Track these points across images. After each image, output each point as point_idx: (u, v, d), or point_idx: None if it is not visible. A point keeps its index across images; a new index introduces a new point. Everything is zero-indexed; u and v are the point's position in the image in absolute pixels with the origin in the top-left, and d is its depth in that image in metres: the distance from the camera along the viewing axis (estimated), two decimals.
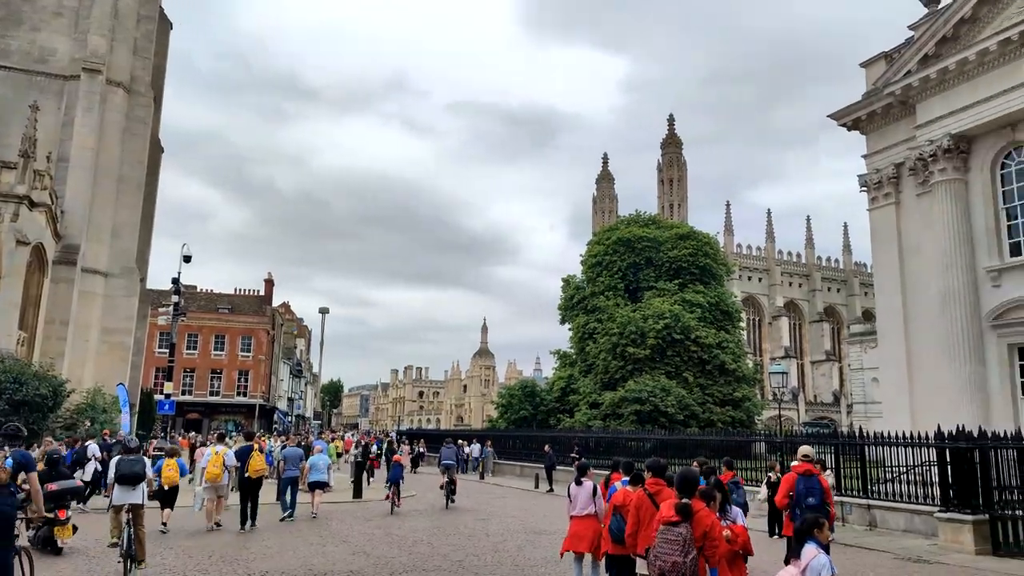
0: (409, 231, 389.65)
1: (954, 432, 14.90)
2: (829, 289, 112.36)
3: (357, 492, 23.74)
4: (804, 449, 11.30)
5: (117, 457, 12.40)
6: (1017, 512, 14.07)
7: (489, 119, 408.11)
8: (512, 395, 59.03)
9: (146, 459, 12.85)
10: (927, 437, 15.65)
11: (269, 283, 74.94)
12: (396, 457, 22.52)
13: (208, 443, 25.70)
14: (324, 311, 38.01)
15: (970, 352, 19.76)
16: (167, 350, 29.28)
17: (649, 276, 55.82)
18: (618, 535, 8.54)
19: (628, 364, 50.18)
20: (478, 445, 37.88)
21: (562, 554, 10.47)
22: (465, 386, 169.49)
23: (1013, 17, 19.34)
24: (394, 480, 20.76)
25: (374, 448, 40.78)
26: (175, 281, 26.66)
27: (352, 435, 65.41)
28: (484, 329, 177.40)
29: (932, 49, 21.07)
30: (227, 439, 22.13)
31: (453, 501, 22.13)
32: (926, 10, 22.84)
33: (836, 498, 16.96)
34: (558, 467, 30.08)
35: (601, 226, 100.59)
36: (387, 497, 20.61)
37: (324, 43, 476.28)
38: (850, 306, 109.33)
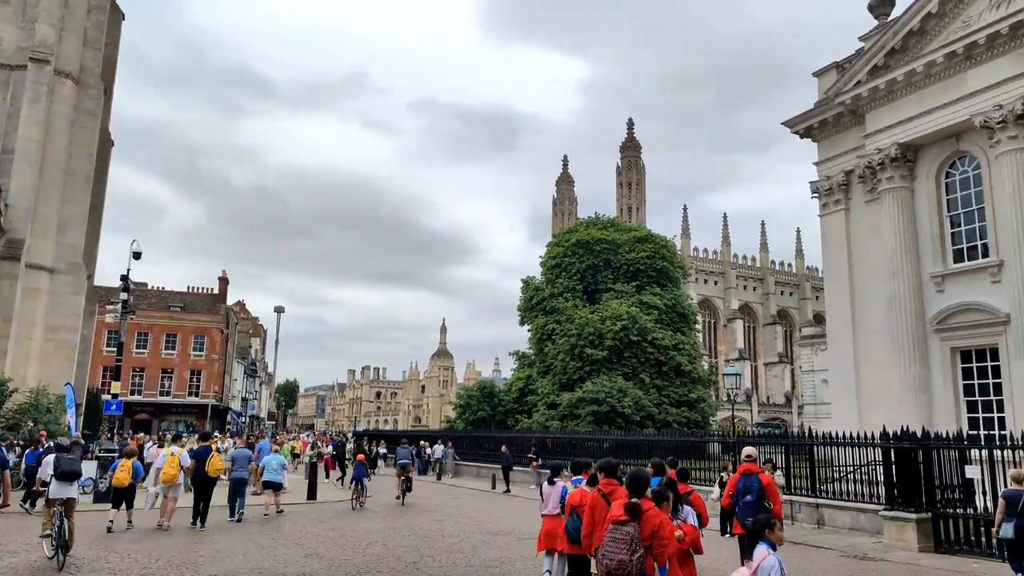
0: (368, 230, 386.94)
1: (899, 433, 15.33)
2: (782, 293, 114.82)
3: (311, 493, 23.44)
4: (747, 450, 11.73)
5: (54, 455, 12.75)
6: (958, 511, 14.53)
7: (449, 118, 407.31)
8: (470, 396, 58.99)
9: (85, 461, 13.15)
10: (873, 437, 16.06)
11: (223, 281, 73.49)
12: (360, 456, 22.94)
13: (163, 443, 25.42)
14: (279, 310, 37.39)
15: (915, 355, 20.38)
16: (115, 349, 28.48)
17: (607, 278, 56.32)
18: (574, 535, 8.61)
19: (586, 365, 50.54)
20: (440, 446, 37.73)
21: (537, 553, 10.71)
22: (423, 387, 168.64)
23: (959, 31, 20.01)
24: (358, 478, 21.40)
25: (329, 448, 40.33)
26: (124, 278, 25.93)
27: (308, 436, 64.66)
28: (443, 329, 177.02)
29: (881, 60, 21.68)
30: (182, 439, 22.07)
31: (410, 490, 23.16)
32: (876, 22, 23.50)
33: (786, 497, 17.37)
34: (515, 468, 30.14)
35: (561, 228, 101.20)
36: (353, 494, 21.37)
37: (282, 38, 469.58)
38: (802, 309, 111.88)
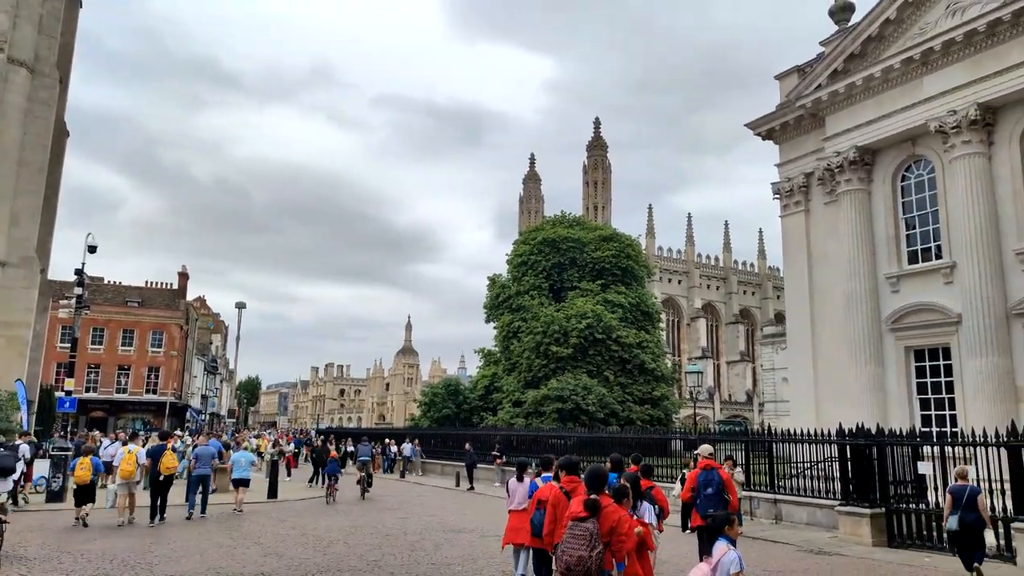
0: (333, 226, 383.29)
1: (854, 430, 15.65)
2: (745, 292, 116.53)
3: (272, 492, 23.14)
4: (705, 448, 12.04)
5: None
6: (911, 506, 14.90)
7: (416, 115, 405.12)
8: (435, 393, 58.78)
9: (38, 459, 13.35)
10: (829, 434, 16.36)
11: (183, 276, 72.05)
12: (333, 453, 24.86)
13: (121, 440, 25.13)
14: (240, 305, 36.87)
15: (871, 354, 20.82)
16: (70, 344, 27.77)
17: (573, 276, 56.61)
18: (538, 528, 8.72)
19: (551, 363, 50.73)
20: (408, 444, 37.44)
21: (503, 547, 10.87)
22: (388, 384, 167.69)
23: (916, 37, 20.48)
24: (331, 473, 23.14)
25: (291, 446, 39.86)
26: (79, 272, 25.30)
27: (270, 433, 63.84)
28: (408, 327, 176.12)
29: (841, 65, 22.09)
30: (138, 437, 22.06)
31: (369, 489, 24.43)
32: (837, 27, 23.94)
33: (745, 493, 17.68)
34: (479, 465, 30.11)
35: (527, 226, 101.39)
36: (328, 489, 22.97)
37: (245, 28, 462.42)
38: (764, 309, 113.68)
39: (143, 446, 18.98)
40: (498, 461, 29.59)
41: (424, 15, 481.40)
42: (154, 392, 64.53)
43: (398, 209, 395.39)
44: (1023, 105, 18.60)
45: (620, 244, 58.68)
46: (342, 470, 26.16)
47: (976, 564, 11.17)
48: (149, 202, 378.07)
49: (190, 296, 76.24)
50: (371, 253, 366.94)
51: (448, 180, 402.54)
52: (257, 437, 45.28)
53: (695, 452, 12.41)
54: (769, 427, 21.73)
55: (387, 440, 41.01)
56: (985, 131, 19.11)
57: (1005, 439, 13.27)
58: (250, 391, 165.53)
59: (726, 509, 10.33)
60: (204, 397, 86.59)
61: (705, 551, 5.87)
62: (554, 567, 8.84)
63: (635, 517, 7.25)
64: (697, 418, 40.38)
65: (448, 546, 14.34)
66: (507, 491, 10.85)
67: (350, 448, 43.24)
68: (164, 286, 71.53)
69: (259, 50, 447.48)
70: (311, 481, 28.49)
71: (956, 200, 19.42)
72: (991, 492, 12.80)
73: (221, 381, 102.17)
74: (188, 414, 71.58)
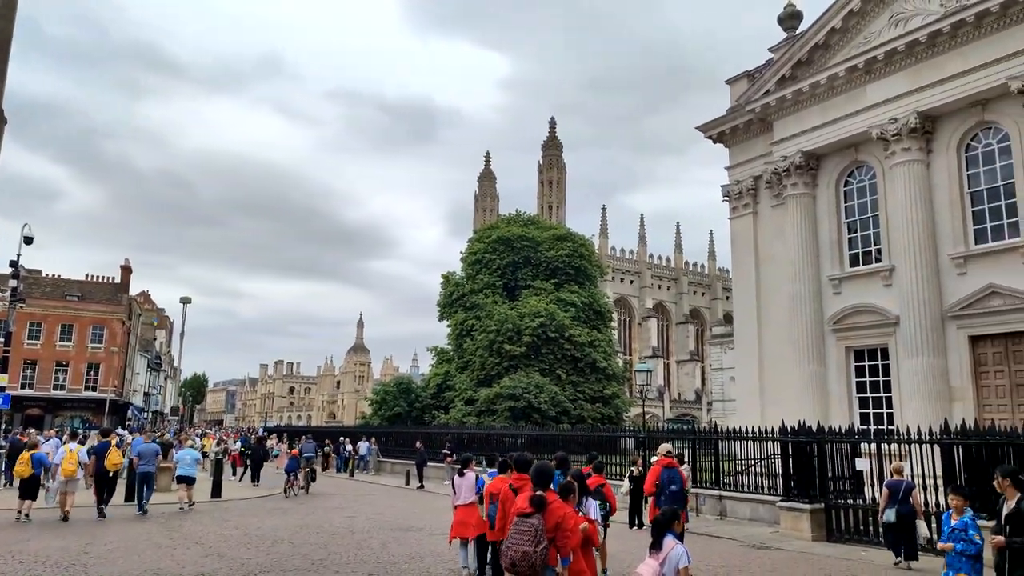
0: (282, 220, 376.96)
1: (796, 427, 16.04)
2: (695, 292, 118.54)
3: (216, 491, 22.62)
4: (665, 446, 12.48)
5: None
6: (849, 501, 15.34)
7: (369, 109, 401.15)
8: (387, 391, 58.33)
9: None
10: (772, 432, 16.74)
11: (126, 270, 69.87)
12: (293, 451, 26.20)
13: (60, 439, 24.61)
14: (185, 301, 35.98)
15: (814, 353, 21.38)
16: (3, 339, 26.69)
17: (527, 275, 56.82)
18: (495, 522, 8.84)
19: (504, 361, 50.82)
20: (365, 443, 36.84)
21: (450, 541, 11.03)
22: (339, 382, 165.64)
23: (860, 46, 21.10)
24: (290, 470, 24.05)
25: (237, 444, 38.99)
26: (14, 264, 24.32)
27: (216, 431, 62.49)
28: (360, 324, 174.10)
29: (789, 71, 22.62)
30: (78, 435, 21.72)
31: (314, 480, 25.80)
32: (785, 34, 24.50)
33: (692, 489, 18.05)
34: (430, 464, 29.97)
35: (482, 224, 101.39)
36: (287, 484, 23.84)
37: (190, 15, 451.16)
38: (713, 309, 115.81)
39: (83, 445, 18.62)
40: (449, 460, 29.47)
41: (376, 8, 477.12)
42: (94, 389, 62.49)
43: (350, 205, 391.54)
44: (961, 114, 19.31)
45: (574, 244, 59.14)
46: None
47: (909, 558, 11.57)
48: (90, 194, 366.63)
49: (133, 290, 74.10)
50: (322, 248, 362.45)
51: (401, 177, 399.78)
52: (202, 436, 44.17)
53: (667, 451, 13.02)
54: (715, 425, 22.18)
55: (342, 438, 40.39)
56: (924, 139, 19.78)
57: (939, 437, 13.76)
58: (196, 388, 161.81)
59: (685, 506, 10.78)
60: (147, 395, 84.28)
61: (654, 547, 5.96)
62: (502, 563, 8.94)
63: (581, 513, 7.31)
64: (647, 416, 40.91)
65: (395, 544, 14.23)
66: (452, 488, 10.91)
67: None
68: (106, 280, 69.33)
69: (206, 38, 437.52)
70: (253, 480, 28.01)
71: (895, 205, 20.05)
72: (925, 487, 13.27)
73: (165, 378, 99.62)
74: (129, 412, 69.54)
